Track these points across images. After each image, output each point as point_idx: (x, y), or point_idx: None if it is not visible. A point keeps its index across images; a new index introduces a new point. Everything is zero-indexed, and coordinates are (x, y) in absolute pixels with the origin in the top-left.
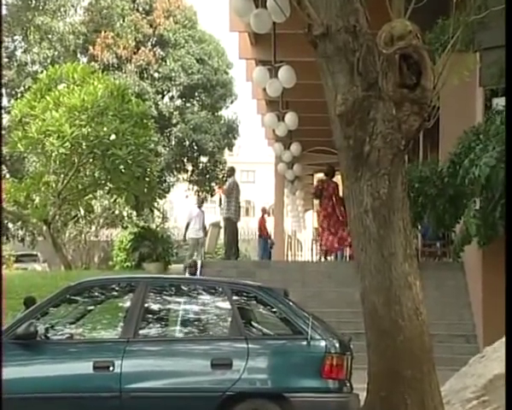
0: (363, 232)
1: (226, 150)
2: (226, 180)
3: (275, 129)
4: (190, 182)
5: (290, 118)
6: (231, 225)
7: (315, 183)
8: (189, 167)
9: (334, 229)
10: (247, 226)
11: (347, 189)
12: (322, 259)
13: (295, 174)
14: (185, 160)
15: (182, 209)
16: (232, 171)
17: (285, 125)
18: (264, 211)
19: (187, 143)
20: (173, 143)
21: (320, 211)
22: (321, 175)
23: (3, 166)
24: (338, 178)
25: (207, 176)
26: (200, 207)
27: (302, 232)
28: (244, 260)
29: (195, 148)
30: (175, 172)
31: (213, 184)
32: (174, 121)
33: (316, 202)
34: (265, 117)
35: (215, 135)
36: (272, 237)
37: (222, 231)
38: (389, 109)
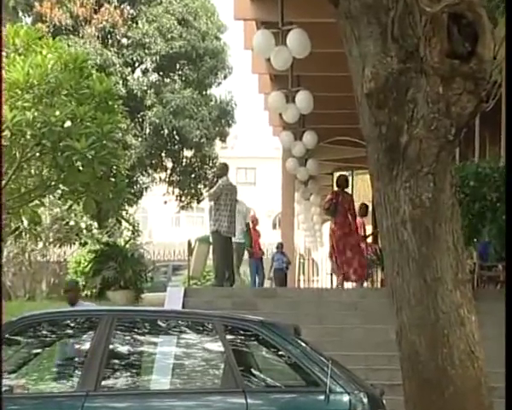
0: (398, 250)
1: (218, 141)
2: (216, 181)
3: (282, 113)
4: (170, 183)
5: (302, 98)
6: (221, 241)
7: (330, 192)
8: (169, 164)
9: (351, 254)
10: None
11: (378, 193)
12: (342, 284)
13: (309, 173)
14: (163, 154)
15: (159, 219)
16: (223, 169)
17: (296, 107)
18: (254, 220)
19: (165, 131)
20: (147, 131)
21: (335, 230)
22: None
23: None
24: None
25: (193, 175)
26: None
27: (318, 250)
28: (242, 287)
29: (177, 138)
30: (150, 171)
31: (200, 186)
32: (148, 103)
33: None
34: (270, 97)
35: (203, 121)
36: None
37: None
38: (434, 87)
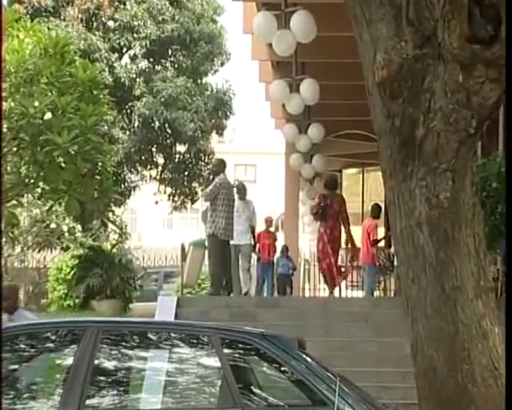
0: (414, 255)
1: (214, 135)
2: (213, 179)
3: (285, 104)
4: (161, 181)
5: (308, 88)
6: (218, 245)
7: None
8: (160, 160)
9: (337, 257)
10: None
11: (391, 192)
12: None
13: (315, 170)
14: (154, 149)
15: (149, 221)
16: (220, 166)
17: (300, 98)
18: (268, 222)
19: (156, 124)
20: (136, 124)
21: (323, 234)
22: (352, 171)
23: None
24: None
25: (186, 172)
26: (243, 195)
27: None
28: (241, 296)
29: (169, 131)
30: (139, 168)
31: (195, 184)
32: (137, 92)
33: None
34: (272, 86)
35: (197, 112)
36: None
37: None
38: (453, 75)
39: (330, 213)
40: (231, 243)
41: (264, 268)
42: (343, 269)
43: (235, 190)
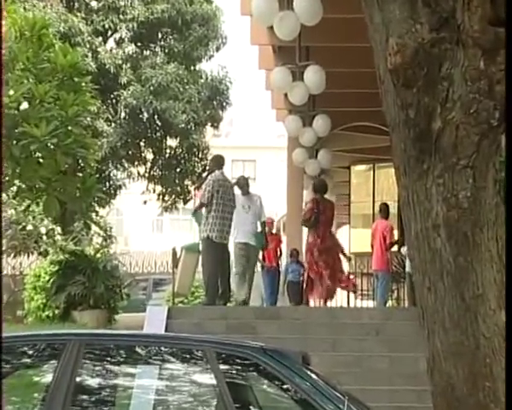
0: (430, 260)
1: (209, 128)
2: (208, 176)
3: (288, 93)
4: (150, 179)
5: (313, 75)
6: (213, 250)
7: (307, 201)
8: (149, 155)
9: (332, 270)
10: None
11: (405, 190)
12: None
13: (321, 167)
14: (142, 143)
15: (137, 223)
16: (217, 162)
17: (304, 86)
18: (270, 224)
19: (145, 115)
20: (122, 115)
21: (313, 244)
22: (361, 168)
23: None
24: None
25: (178, 169)
26: (246, 191)
27: None
28: (239, 306)
29: (158, 123)
30: (125, 164)
31: (188, 182)
32: (124, 80)
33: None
34: (273, 74)
35: (190, 103)
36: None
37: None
38: (474, 61)
39: (322, 219)
40: (241, 241)
41: (268, 276)
42: (351, 277)
43: (236, 185)
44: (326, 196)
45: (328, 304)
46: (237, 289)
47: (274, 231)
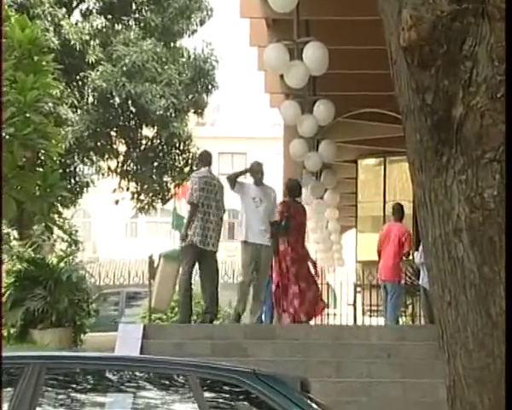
0: (451, 271)
1: (191, 115)
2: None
3: (284, 74)
4: (123, 175)
5: (313, 53)
6: (193, 256)
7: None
8: (122, 148)
9: (306, 284)
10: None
11: (421, 189)
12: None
13: (323, 161)
14: (113, 133)
15: (107, 226)
16: (204, 158)
17: (303, 66)
18: None
19: (116, 100)
20: (90, 100)
21: (284, 251)
22: (370, 162)
23: None
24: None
25: (156, 163)
26: (259, 180)
27: (336, 271)
28: (228, 324)
29: (133, 110)
30: (94, 157)
31: (167, 178)
32: (92, 59)
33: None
34: (266, 52)
35: (170, 85)
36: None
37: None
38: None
39: (293, 225)
40: (249, 240)
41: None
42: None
43: (249, 172)
44: (298, 199)
45: (332, 321)
46: (238, 299)
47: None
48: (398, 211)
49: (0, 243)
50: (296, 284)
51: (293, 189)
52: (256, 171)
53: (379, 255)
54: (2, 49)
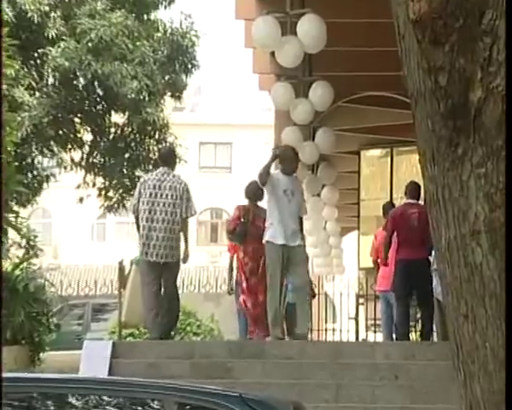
0: (467, 279)
1: (168, 99)
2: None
3: (275, 52)
4: (89, 168)
5: (309, 27)
6: (145, 272)
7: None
8: (87, 136)
9: (263, 297)
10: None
11: (433, 184)
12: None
13: (320, 152)
14: (77, 120)
15: (70, 228)
16: (164, 156)
17: (298, 42)
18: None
19: (81, 81)
20: (51, 81)
21: (244, 261)
22: (375, 153)
23: None
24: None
25: (127, 155)
26: (291, 169)
27: (335, 280)
28: (210, 340)
29: (100, 93)
30: (55, 148)
31: (140, 172)
32: (52, 34)
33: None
34: (255, 26)
35: (143, 64)
36: None
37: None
38: None
39: (252, 231)
40: (278, 242)
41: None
42: None
43: (278, 159)
44: (260, 203)
45: (330, 337)
46: (272, 323)
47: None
48: (387, 208)
49: (0, 243)
50: (253, 298)
51: (251, 192)
52: (288, 158)
53: (375, 263)
54: (2, 50)
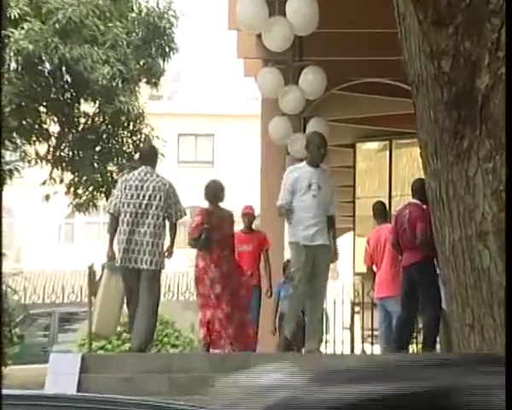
0: (474, 285)
1: (144, 86)
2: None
3: (262, 34)
4: (56, 163)
5: (298, 6)
6: (122, 278)
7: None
8: (54, 128)
9: (230, 308)
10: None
11: (435, 180)
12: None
13: None
14: (43, 109)
15: (35, 229)
16: (145, 155)
17: (287, 23)
18: (248, 214)
19: (47, 66)
20: (13, 66)
21: (204, 268)
22: (372, 146)
23: None
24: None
25: (98, 148)
26: (318, 157)
27: (329, 285)
28: (190, 353)
29: (68, 80)
30: (18, 140)
31: (112, 167)
32: (15, 13)
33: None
34: (240, 5)
35: (116, 48)
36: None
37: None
38: None
39: (217, 237)
40: (304, 243)
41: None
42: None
43: (305, 148)
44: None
45: (323, 349)
46: (288, 318)
47: (254, 226)
48: (382, 211)
49: (0, 244)
50: (219, 308)
51: (211, 193)
52: (316, 145)
53: (370, 269)
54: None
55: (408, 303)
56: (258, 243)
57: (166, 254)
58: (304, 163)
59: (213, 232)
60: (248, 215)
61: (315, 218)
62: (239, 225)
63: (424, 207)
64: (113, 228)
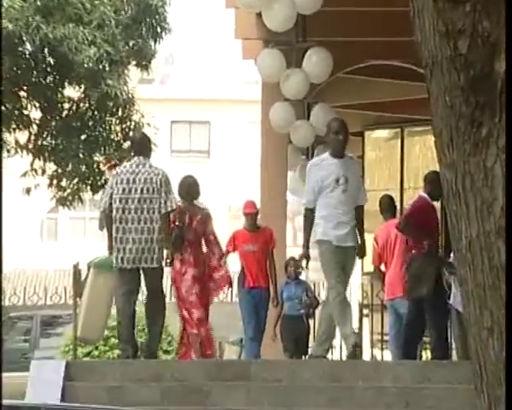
0: (492, 285)
1: (133, 69)
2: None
3: (262, 12)
4: (38, 152)
5: None
6: (121, 280)
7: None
8: (35, 114)
9: (203, 312)
10: None
11: (451, 171)
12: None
13: (317, 132)
14: (23, 93)
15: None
16: (138, 145)
17: (289, 1)
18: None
19: (28, 47)
20: None
21: (179, 270)
22: (382, 134)
23: None
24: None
25: (83, 137)
26: (340, 147)
27: None
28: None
29: (51, 62)
30: None
31: (99, 157)
32: None
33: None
34: None
35: (103, 28)
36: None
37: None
38: None
39: (190, 237)
40: (335, 242)
41: (251, 302)
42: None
43: (326, 137)
44: (197, 202)
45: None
46: (324, 331)
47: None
48: (389, 206)
49: (0, 245)
50: (195, 311)
51: (186, 191)
52: (334, 131)
53: (378, 269)
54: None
55: (415, 301)
56: (264, 241)
57: (165, 259)
58: (327, 154)
59: (186, 231)
60: (251, 214)
61: (345, 215)
62: (237, 221)
63: (432, 202)
64: (108, 224)
